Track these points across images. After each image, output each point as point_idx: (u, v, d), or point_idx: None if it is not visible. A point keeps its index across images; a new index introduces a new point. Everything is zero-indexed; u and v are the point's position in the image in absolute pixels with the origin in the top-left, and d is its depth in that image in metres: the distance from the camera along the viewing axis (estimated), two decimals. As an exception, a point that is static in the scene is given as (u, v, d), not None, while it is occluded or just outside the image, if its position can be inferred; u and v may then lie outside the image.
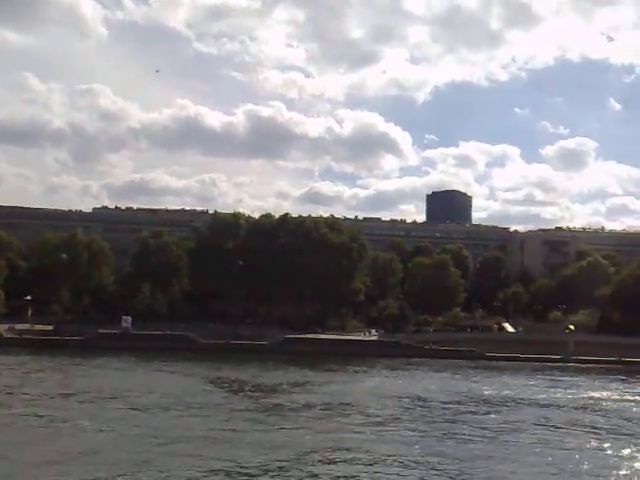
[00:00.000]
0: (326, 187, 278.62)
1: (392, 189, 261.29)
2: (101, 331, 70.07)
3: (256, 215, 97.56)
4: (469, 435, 25.96)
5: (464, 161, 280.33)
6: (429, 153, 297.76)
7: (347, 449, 22.46)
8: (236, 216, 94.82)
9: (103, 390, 35.82)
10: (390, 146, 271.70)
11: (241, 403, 33.92)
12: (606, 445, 24.48)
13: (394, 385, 43.44)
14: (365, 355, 64.28)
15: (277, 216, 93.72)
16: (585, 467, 20.86)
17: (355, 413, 31.09)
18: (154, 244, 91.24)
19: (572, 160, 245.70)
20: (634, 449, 23.60)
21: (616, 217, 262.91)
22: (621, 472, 20.29)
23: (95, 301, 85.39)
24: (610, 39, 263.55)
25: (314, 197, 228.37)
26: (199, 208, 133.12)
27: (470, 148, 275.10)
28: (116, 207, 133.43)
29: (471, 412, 32.79)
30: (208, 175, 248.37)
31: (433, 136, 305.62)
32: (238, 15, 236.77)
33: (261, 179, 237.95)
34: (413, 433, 26.19)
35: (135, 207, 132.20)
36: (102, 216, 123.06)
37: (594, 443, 24.99)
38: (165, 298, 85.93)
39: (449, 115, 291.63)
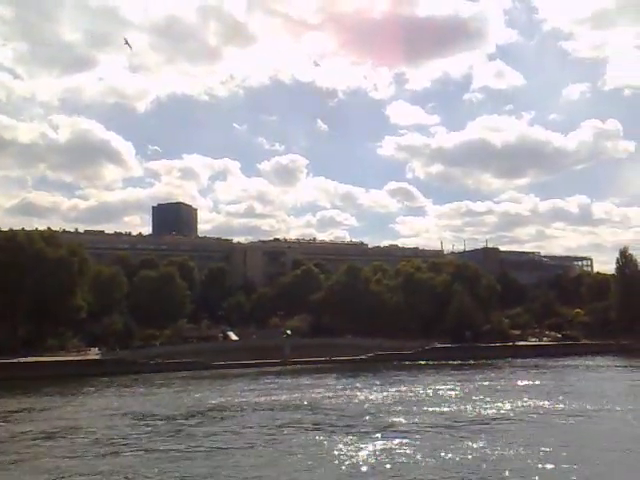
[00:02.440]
0: (41, 198, 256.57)
1: (115, 200, 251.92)
2: None
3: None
4: (194, 447, 26.67)
5: (188, 174, 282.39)
6: (153, 165, 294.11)
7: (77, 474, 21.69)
8: None
9: None
10: (111, 156, 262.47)
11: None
12: (327, 440, 27.07)
13: (119, 404, 42.29)
14: (88, 375, 61.26)
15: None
16: (306, 463, 23.15)
17: (80, 437, 29.82)
18: None
19: (286, 175, 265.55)
20: (348, 440, 26.80)
21: (325, 229, 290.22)
22: (335, 462, 23.03)
23: None
24: (316, 64, 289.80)
25: (27, 208, 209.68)
26: None
27: (193, 161, 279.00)
28: None
29: (198, 422, 33.71)
30: None
31: (156, 147, 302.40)
32: None
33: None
34: (140, 451, 26.00)
35: None
36: None
37: (317, 438, 27.60)
38: None
39: (171, 127, 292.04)
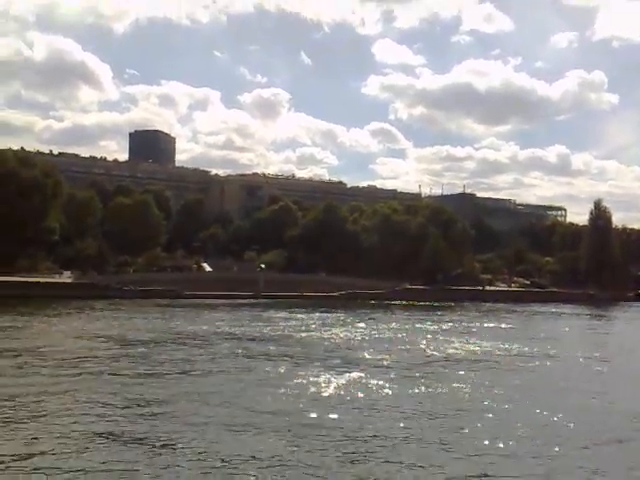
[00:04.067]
0: (15, 117, 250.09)
1: (91, 123, 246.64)
2: None
3: None
4: (160, 371, 26.86)
5: (166, 101, 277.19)
6: (130, 89, 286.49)
7: (51, 393, 21.80)
8: None
9: None
10: (88, 77, 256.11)
11: None
12: (294, 371, 27.47)
13: (90, 327, 42.32)
14: (60, 298, 61.16)
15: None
16: (271, 391, 23.61)
17: (54, 357, 29.88)
18: None
19: (268, 109, 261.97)
20: (315, 372, 27.26)
21: (305, 166, 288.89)
22: (300, 392, 23.52)
23: None
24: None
25: (0, 127, 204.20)
26: None
27: (172, 88, 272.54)
28: None
29: (168, 348, 33.95)
30: None
31: (134, 71, 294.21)
32: None
33: None
34: (104, 373, 26.06)
35: None
36: None
37: (285, 369, 28.01)
38: None
39: (150, 51, 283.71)
